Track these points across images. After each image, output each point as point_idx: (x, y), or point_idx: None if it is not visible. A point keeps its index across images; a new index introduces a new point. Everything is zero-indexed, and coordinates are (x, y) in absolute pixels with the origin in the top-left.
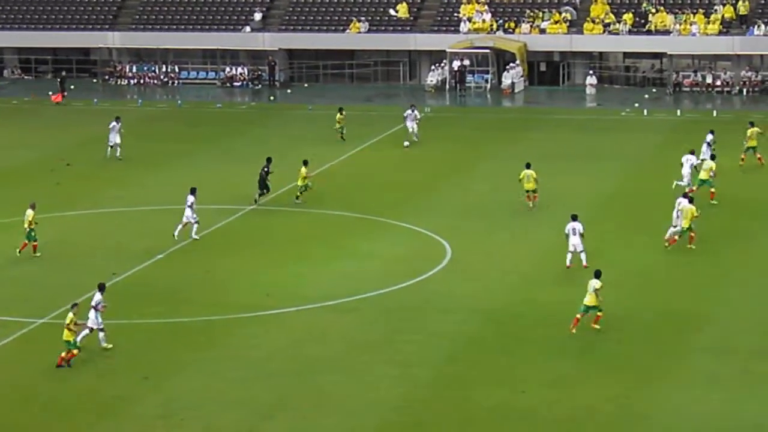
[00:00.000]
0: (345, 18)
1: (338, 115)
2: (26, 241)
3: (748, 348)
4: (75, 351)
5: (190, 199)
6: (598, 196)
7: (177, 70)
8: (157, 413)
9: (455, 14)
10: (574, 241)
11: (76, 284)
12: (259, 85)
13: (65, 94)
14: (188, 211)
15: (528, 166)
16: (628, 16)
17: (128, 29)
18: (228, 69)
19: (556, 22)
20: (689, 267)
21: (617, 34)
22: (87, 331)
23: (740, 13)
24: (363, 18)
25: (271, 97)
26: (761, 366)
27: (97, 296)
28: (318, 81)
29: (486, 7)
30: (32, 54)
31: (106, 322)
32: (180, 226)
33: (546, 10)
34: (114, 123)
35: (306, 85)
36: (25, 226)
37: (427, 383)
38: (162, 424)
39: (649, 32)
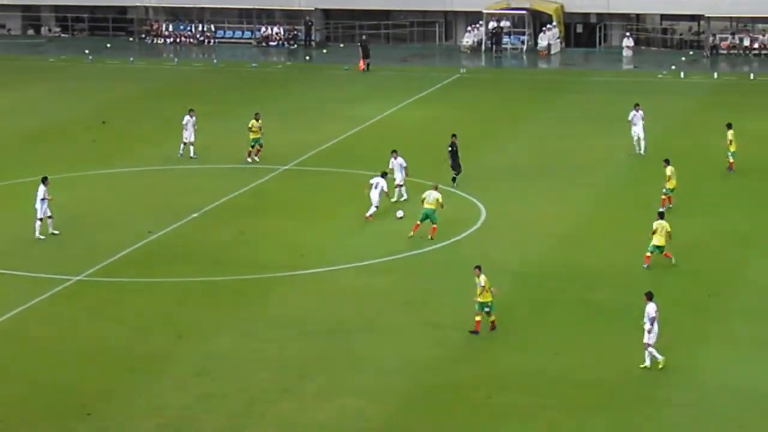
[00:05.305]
0: None
1: None
2: (420, 222)
3: None
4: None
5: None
6: (634, 157)
7: (213, 29)
8: (192, 371)
9: None
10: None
11: (110, 242)
12: (295, 45)
13: (368, 61)
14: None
15: (661, 216)
16: None
17: None
18: (264, 29)
19: None
20: (719, 231)
21: None
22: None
23: None
24: None
25: (307, 57)
26: None
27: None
28: (354, 41)
29: None
30: (69, 12)
31: (138, 280)
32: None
33: None
34: (188, 117)
35: (342, 45)
36: (431, 206)
37: (460, 345)
38: (196, 382)
39: None
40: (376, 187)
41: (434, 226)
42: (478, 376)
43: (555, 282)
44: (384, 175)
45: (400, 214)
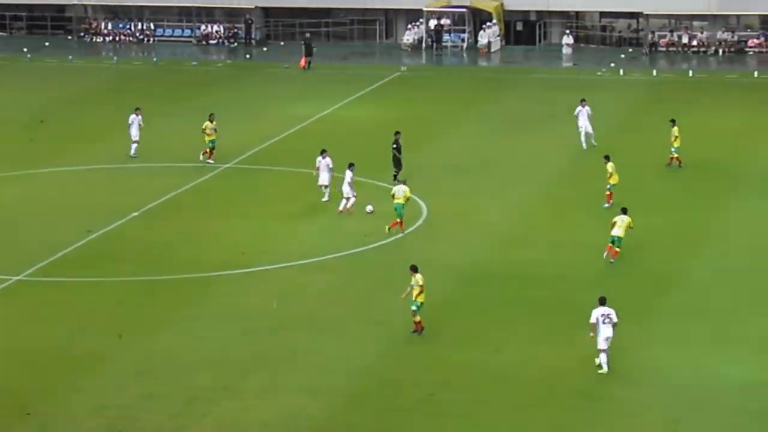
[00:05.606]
0: None
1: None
2: (399, 219)
3: (719, 309)
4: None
5: (349, 175)
6: (574, 155)
7: (152, 27)
8: (133, 370)
9: None
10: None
11: (49, 242)
12: (235, 43)
13: (310, 59)
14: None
15: (624, 212)
16: None
17: None
18: (204, 27)
19: None
20: (661, 228)
21: None
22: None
23: None
24: None
25: (247, 55)
26: (732, 326)
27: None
28: (294, 39)
29: None
30: (6, 11)
31: (78, 280)
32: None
33: None
34: (133, 116)
35: (282, 43)
36: (399, 201)
37: (402, 342)
38: (137, 381)
39: None
40: (348, 181)
41: (397, 219)
42: (420, 374)
43: (496, 279)
44: (351, 166)
45: (369, 208)
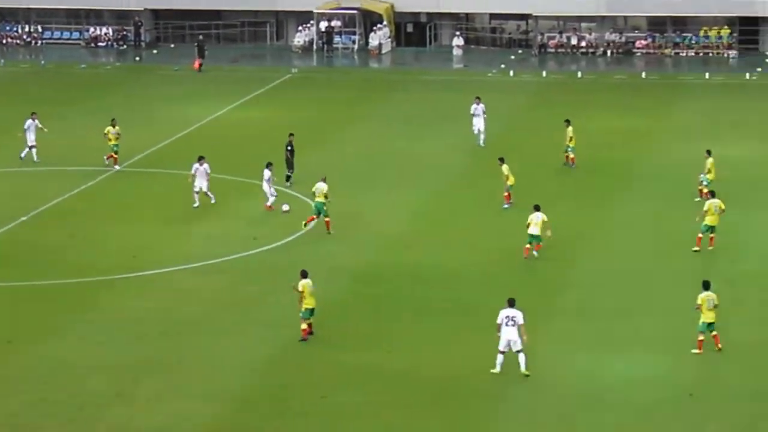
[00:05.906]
0: None
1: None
2: (314, 216)
3: (608, 309)
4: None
5: (267, 173)
6: (466, 156)
7: (40, 30)
8: (21, 376)
9: None
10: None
11: None
12: (125, 46)
13: (202, 60)
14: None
15: (537, 209)
16: None
17: None
18: (92, 29)
19: None
20: (552, 227)
21: None
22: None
23: None
24: None
25: (137, 58)
26: (621, 326)
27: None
28: (184, 41)
29: None
30: None
31: None
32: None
33: None
34: (30, 121)
35: (172, 45)
36: (320, 199)
37: (294, 345)
38: (25, 388)
39: None
40: (266, 179)
41: (327, 219)
42: (313, 376)
43: (390, 281)
44: (269, 165)
45: (285, 207)
